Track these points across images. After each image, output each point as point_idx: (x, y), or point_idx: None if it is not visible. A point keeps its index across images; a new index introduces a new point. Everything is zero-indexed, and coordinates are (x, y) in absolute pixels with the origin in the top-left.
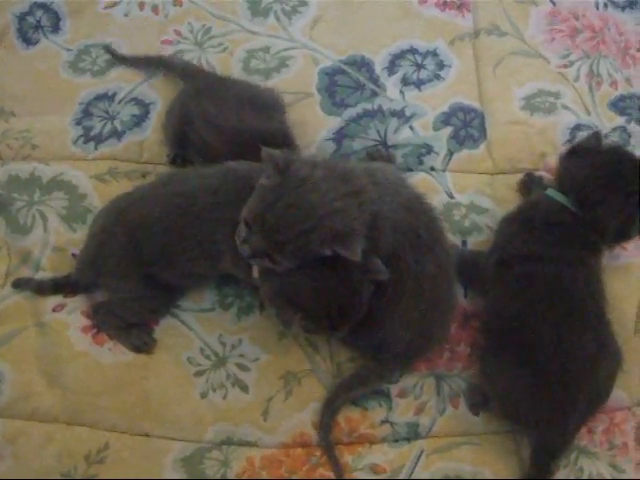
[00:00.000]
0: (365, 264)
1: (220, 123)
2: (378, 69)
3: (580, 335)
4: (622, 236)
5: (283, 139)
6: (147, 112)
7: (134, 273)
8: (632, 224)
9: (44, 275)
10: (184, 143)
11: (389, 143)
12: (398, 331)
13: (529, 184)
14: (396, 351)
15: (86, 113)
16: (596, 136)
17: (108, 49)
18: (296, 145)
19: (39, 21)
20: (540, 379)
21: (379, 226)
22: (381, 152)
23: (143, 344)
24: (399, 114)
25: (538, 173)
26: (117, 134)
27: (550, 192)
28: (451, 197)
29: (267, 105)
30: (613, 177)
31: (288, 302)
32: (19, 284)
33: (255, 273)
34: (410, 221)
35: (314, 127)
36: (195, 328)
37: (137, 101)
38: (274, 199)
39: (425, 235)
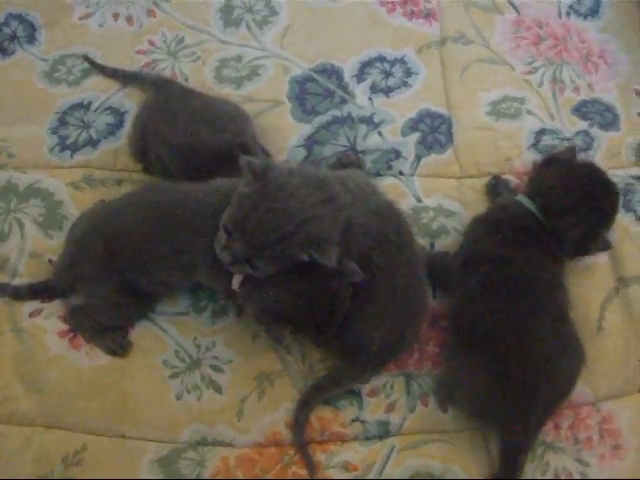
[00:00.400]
0: (340, 268)
1: (171, 141)
2: (347, 77)
3: (540, 334)
4: (580, 250)
5: (241, 151)
6: (122, 121)
7: (110, 280)
8: (592, 240)
9: (21, 281)
10: (145, 157)
11: (358, 149)
12: (371, 333)
13: (496, 187)
14: (369, 352)
15: (62, 122)
16: (571, 150)
17: (86, 58)
18: (257, 155)
19: (15, 32)
20: (502, 377)
21: (351, 231)
22: (351, 157)
23: (119, 347)
24: (368, 120)
25: (505, 176)
26: (92, 142)
27: (520, 198)
28: (419, 201)
29: (223, 118)
30: (580, 191)
31: (277, 319)
32: None
33: (235, 285)
34: (380, 226)
35: (285, 134)
36: (170, 331)
37: (112, 110)
38: (254, 205)
39: (395, 239)
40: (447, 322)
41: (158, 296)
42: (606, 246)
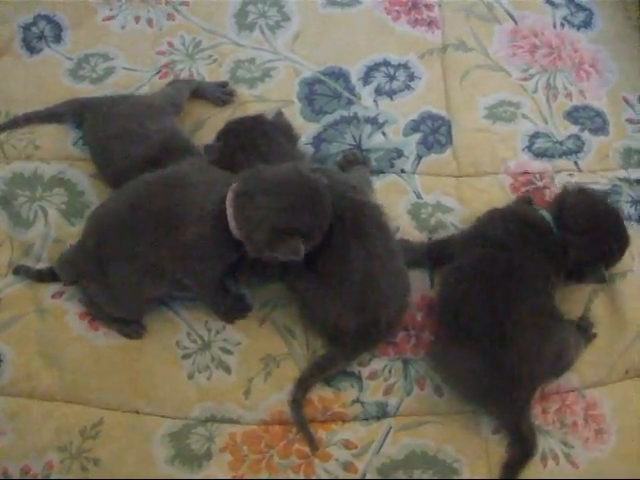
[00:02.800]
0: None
1: (109, 159)
2: (354, 80)
3: (521, 322)
4: (577, 272)
5: (176, 141)
6: None
7: (106, 279)
8: (591, 267)
9: (43, 266)
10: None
11: (363, 147)
12: (340, 314)
13: None
14: (348, 335)
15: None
16: (605, 194)
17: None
18: (189, 142)
19: (42, 32)
20: (486, 361)
21: None
22: (356, 155)
23: (133, 332)
24: (373, 121)
25: (500, 176)
26: None
27: (542, 212)
28: (419, 197)
29: (154, 112)
30: (600, 224)
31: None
32: (19, 271)
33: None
34: (339, 213)
35: None
36: (183, 315)
37: None
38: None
39: (351, 227)
40: (436, 306)
41: (150, 299)
42: (601, 279)
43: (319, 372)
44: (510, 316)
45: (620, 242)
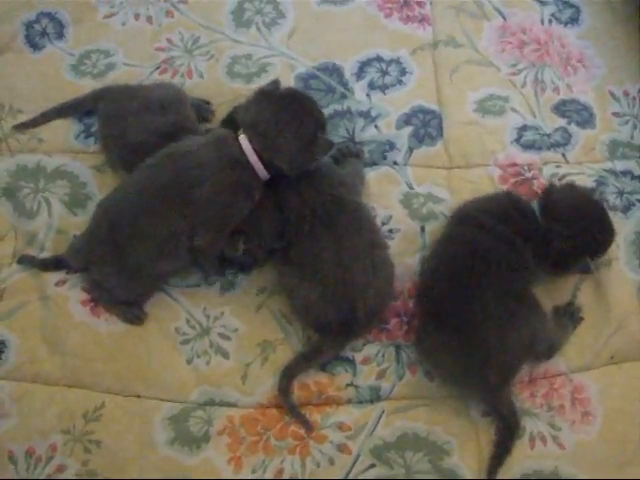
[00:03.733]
0: None
1: (127, 140)
2: (347, 75)
3: (489, 307)
4: (562, 262)
5: (183, 128)
6: None
7: (117, 262)
8: (576, 258)
9: (47, 255)
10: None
11: (356, 140)
12: (317, 304)
13: None
14: (329, 324)
15: (87, 111)
16: (592, 189)
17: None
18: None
19: (45, 29)
20: (459, 346)
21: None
22: (350, 148)
23: (135, 317)
24: (365, 114)
25: (489, 168)
26: None
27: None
28: (411, 188)
29: (167, 103)
30: (586, 216)
31: None
32: (24, 261)
33: None
34: (314, 203)
35: None
36: (182, 301)
37: None
38: None
39: (323, 217)
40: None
41: (166, 275)
42: (587, 270)
43: (305, 362)
44: (476, 297)
45: (605, 234)
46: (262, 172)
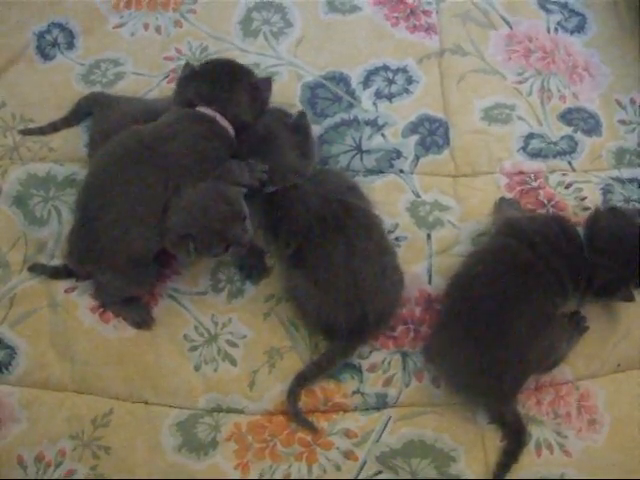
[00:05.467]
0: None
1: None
2: (354, 83)
3: (522, 321)
4: (607, 289)
5: None
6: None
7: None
8: (622, 285)
9: (56, 262)
10: None
11: (363, 149)
12: (328, 309)
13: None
14: (337, 329)
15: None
16: (635, 212)
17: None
18: None
19: (56, 39)
20: (475, 348)
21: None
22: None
23: (142, 321)
24: (372, 123)
25: (495, 175)
26: None
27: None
28: (417, 196)
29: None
30: (633, 244)
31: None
32: (35, 269)
33: None
34: (322, 210)
35: None
36: (190, 309)
37: None
38: None
39: (332, 222)
40: (446, 285)
41: (145, 256)
42: (629, 297)
43: (319, 370)
44: (510, 311)
45: None
46: (230, 128)
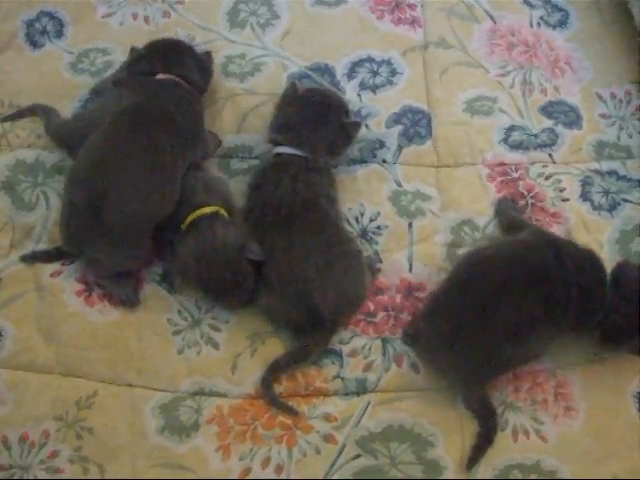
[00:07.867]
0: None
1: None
2: (339, 75)
3: (509, 327)
4: (617, 336)
5: None
6: None
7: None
8: (632, 334)
9: (44, 247)
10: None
11: None
12: (275, 304)
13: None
14: (292, 323)
15: (84, 108)
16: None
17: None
18: None
19: (45, 27)
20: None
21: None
22: None
23: (128, 300)
24: (356, 114)
25: (478, 167)
26: None
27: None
28: (400, 186)
29: None
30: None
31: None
32: (26, 259)
33: None
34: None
35: None
36: (174, 293)
37: None
38: None
39: (283, 213)
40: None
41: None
42: (634, 352)
43: (293, 360)
44: (509, 311)
45: None
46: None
